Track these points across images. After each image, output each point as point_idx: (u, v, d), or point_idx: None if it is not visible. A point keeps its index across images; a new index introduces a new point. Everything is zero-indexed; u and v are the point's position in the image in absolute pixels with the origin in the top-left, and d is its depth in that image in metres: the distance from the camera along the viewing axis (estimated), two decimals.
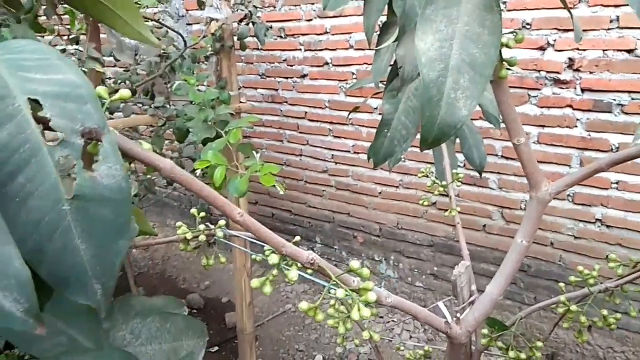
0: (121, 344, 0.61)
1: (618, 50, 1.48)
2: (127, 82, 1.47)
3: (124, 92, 0.48)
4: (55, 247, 0.34)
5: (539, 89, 1.64)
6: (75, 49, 1.45)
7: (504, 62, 0.57)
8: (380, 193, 2.13)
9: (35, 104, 0.34)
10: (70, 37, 1.45)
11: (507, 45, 0.55)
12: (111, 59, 1.70)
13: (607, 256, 1.65)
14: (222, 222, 0.79)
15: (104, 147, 0.36)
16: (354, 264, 0.53)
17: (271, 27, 1.52)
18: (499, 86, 0.59)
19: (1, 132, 0.32)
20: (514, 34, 0.56)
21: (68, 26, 1.53)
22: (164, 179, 1.63)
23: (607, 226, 1.62)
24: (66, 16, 1.53)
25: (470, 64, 0.48)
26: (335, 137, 2.19)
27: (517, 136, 0.62)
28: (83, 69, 1.40)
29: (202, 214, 0.81)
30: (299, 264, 0.74)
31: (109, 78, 2.59)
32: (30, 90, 0.35)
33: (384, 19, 0.71)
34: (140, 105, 1.53)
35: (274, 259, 0.55)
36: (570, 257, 1.72)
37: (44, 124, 0.35)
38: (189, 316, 0.67)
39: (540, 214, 0.66)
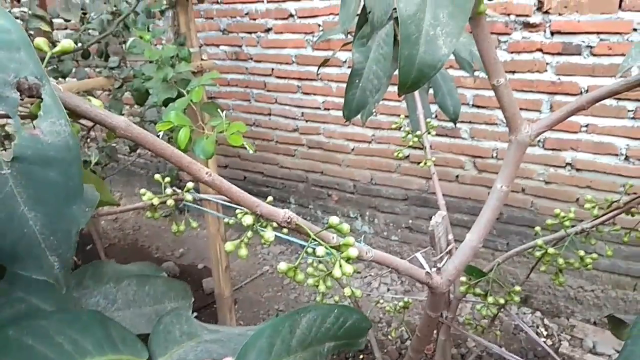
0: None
1: None
2: (78, 42, 1.37)
3: (66, 43, 0.42)
4: None
5: (508, 34, 1.61)
6: (21, 11, 1.34)
7: None
8: (353, 149, 2.11)
9: None
10: None
11: None
12: (62, 21, 1.58)
13: (577, 199, 1.69)
14: (190, 184, 0.75)
15: (44, 100, 0.31)
16: (334, 219, 0.50)
17: None
18: (478, 23, 0.56)
19: None
20: None
21: None
22: (127, 146, 1.56)
23: (577, 169, 1.65)
24: None
25: None
26: (305, 94, 2.13)
27: (497, 77, 0.59)
28: (29, 29, 1.30)
29: (168, 179, 0.76)
30: (274, 224, 0.71)
31: (59, 41, 2.44)
32: None
33: None
34: (94, 68, 1.43)
35: (248, 219, 0.51)
36: (541, 202, 1.75)
37: None
38: (170, 278, 0.63)
39: (520, 158, 0.65)
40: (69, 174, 0.31)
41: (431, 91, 1.15)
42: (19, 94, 0.31)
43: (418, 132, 1.03)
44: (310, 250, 0.52)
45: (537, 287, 1.85)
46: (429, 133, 1.04)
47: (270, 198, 0.66)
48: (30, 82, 0.32)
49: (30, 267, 0.32)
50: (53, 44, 1.40)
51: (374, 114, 1.97)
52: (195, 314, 1.93)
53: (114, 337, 0.38)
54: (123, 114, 1.42)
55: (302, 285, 2.08)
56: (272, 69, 2.17)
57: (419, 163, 2.01)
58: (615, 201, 0.83)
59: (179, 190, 0.72)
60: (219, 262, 1.61)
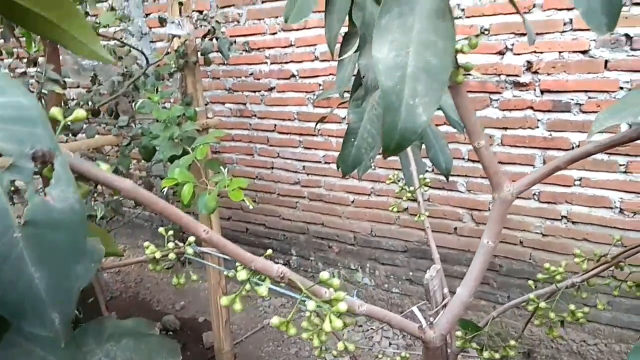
0: None
1: (573, 51, 1.53)
2: (90, 102, 1.44)
3: (79, 113, 0.47)
4: (6, 277, 0.33)
5: (500, 93, 1.68)
6: (37, 71, 1.42)
7: (460, 68, 0.59)
8: (353, 202, 2.14)
9: None
10: (29, 59, 1.42)
11: (461, 51, 0.56)
12: (74, 80, 1.66)
13: (574, 252, 1.69)
14: (191, 238, 0.78)
15: (55, 169, 0.35)
16: (324, 274, 0.52)
17: (235, 42, 1.52)
18: (457, 91, 0.60)
19: None
20: (468, 39, 0.58)
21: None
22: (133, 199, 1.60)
23: (573, 222, 1.67)
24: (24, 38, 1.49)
25: (426, 71, 0.49)
26: (306, 148, 2.19)
27: (478, 139, 0.63)
28: (43, 90, 1.37)
29: (171, 232, 0.79)
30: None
31: (72, 99, 2.54)
32: None
33: (345, 29, 0.72)
34: (104, 125, 1.50)
35: (242, 275, 0.54)
36: (539, 255, 1.76)
37: None
38: (163, 336, 0.65)
39: (504, 214, 0.68)
40: (75, 235, 0.35)
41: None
42: (33, 164, 0.35)
43: (412, 188, 1.06)
44: (304, 303, 0.54)
45: (540, 341, 1.82)
46: (421, 188, 1.08)
47: (269, 251, 0.68)
48: (45, 153, 0.35)
49: (32, 322, 0.34)
50: (65, 103, 1.47)
51: (373, 167, 2.02)
52: None
53: None
54: (131, 169, 1.47)
55: (303, 340, 2.05)
56: (275, 125, 2.24)
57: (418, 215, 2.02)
58: (604, 255, 0.85)
59: (180, 244, 0.75)
60: (219, 316, 1.61)
